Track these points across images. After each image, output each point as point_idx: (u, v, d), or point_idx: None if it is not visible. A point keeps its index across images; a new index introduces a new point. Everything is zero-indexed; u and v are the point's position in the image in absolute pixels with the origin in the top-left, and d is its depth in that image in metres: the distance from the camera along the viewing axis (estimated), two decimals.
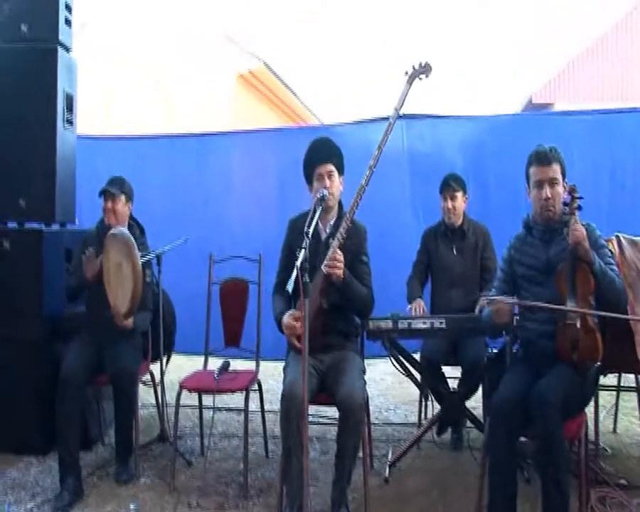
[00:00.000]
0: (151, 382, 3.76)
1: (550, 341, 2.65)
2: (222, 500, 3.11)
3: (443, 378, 3.60)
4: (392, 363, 3.37)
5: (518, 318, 2.90)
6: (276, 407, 4.02)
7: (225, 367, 3.46)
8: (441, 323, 3.12)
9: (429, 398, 3.76)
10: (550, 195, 2.68)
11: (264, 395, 3.71)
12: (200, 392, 3.49)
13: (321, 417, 4.05)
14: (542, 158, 2.71)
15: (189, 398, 3.66)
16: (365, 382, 2.90)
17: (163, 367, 3.70)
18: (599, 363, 2.70)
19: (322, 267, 2.84)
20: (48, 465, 3.51)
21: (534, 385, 2.51)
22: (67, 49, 3.92)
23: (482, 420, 3.40)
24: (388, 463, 3.44)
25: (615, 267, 2.68)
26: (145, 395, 4.34)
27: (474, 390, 3.54)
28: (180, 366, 4.39)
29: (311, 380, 2.80)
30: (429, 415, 3.84)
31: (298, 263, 2.35)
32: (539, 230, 2.80)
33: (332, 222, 3.07)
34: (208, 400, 3.70)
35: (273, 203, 4.64)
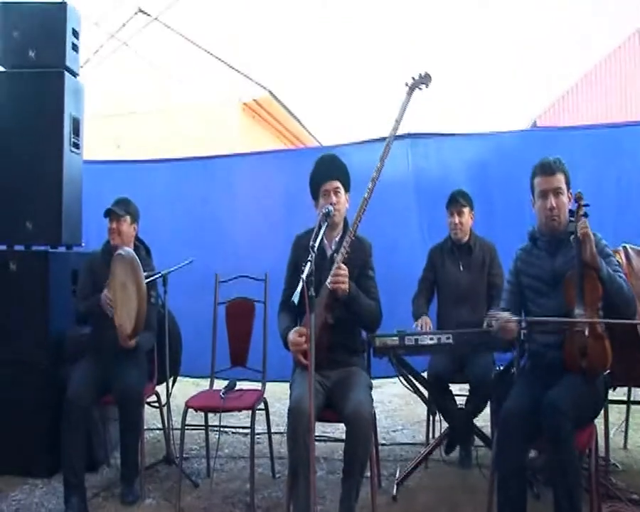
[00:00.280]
0: (157, 404, 3.74)
1: (558, 351, 2.64)
2: None
3: (450, 395, 3.58)
4: (400, 380, 3.36)
5: (525, 332, 2.90)
6: (282, 429, 4.01)
7: (231, 386, 3.45)
8: (448, 338, 3.10)
9: (437, 416, 3.73)
10: (554, 205, 2.70)
11: (271, 418, 3.69)
12: (207, 410, 3.47)
13: (327, 436, 4.01)
14: (546, 168, 2.73)
15: (195, 420, 3.63)
16: (372, 398, 2.88)
17: (169, 387, 3.69)
18: (608, 371, 2.68)
19: (329, 279, 2.84)
20: (53, 487, 3.48)
21: (545, 395, 2.49)
22: (74, 74, 3.99)
23: (490, 437, 3.37)
24: (396, 481, 3.41)
25: (623, 275, 2.68)
26: (150, 418, 4.33)
27: (482, 407, 3.50)
28: (187, 390, 4.36)
29: (318, 396, 2.78)
30: (437, 434, 3.80)
31: (303, 276, 2.36)
32: (544, 241, 2.81)
33: (337, 239, 3.08)
34: (214, 420, 3.69)
35: (279, 224, 4.66)
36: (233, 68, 10.98)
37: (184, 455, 3.45)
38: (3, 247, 3.80)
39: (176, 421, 3.53)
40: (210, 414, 3.72)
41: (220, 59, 11.06)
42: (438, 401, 3.53)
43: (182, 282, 3.94)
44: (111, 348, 3.35)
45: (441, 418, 3.59)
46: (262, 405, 3.50)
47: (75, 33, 3.98)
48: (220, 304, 3.84)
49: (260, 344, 3.69)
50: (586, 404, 2.57)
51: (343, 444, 2.80)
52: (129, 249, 3.39)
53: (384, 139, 4.42)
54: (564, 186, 2.73)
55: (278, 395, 4.86)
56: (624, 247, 3.26)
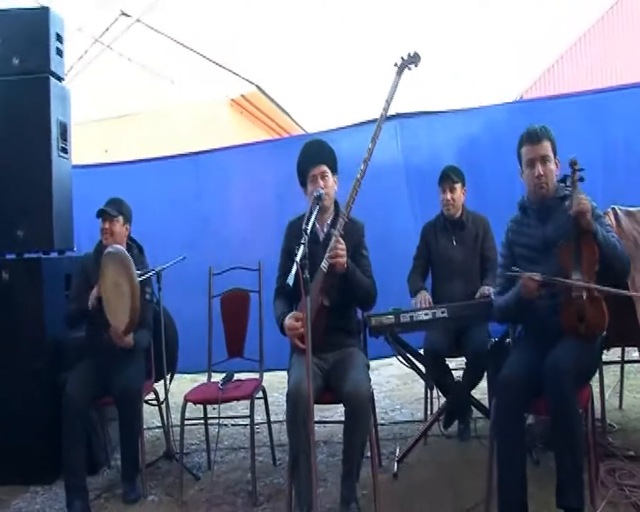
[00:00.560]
0: (155, 401, 3.75)
1: (554, 315, 2.64)
2: (232, 509, 3.08)
3: (447, 370, 3.58)
4: (397, 359, 3.37)
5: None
6: (281, 417, 4.03)
7: (229, 378, 3.46)
8: (443, 312, 3.11)
9: (435, 393, 3.74)
10: (542, 173, 2.70)
11: (269, 408, 3.70)
12: (205, 403, 3.47)
13: (326, 420, 4.03)
14: (532, 136, 2.73)
15: (194, 414, 3.63)
16: (369, 377, 2.88)
17: (167, 383, 3.69)
18: (604, 333, 2.68)
19: (323, 262, 2.85)
20: (55, 493, 3.47)
21: (542, 358, 2.49)
22: (60, 78, 3.97)
23: (488, 408, 3.38)
24: (396, 459, 3.42)
25: (615, 234, 2.69)
26: (149, 417, 4.34)
27: (479, 379, 3.52)
28: (185, 387, 4.35)
29: (316, 378, 2.79)
30: (435, 410, 3.80)
31: (297, 258, 2.37)
32: (534, 209, 2.81)
33: (329, 221, 3.09)
34: (213, 414, 3.70)
35: (270, 214, 4.65)
36: (219, 65, 10.94)
37: (184, 450, 3.46)
38: None
39: (175, 418, 3.54)
40: (209, 408, 3.73)
41: (205, 56, 11.02)
42: (435, 376, 3.54)
43: (176, 279, 3.93)
44: (107, 348, 3.34)
45: (439, 394, 3.60)
46: (260, 394, 3.50)
47: (59, 38, 3.96)
48: (215, 297, 3.84)
49: (256, 334, 3.69)
50: (585, 365, 2.58)
51: (342, 427, 2.80)
52: (118, 246, 3.38)
53: (371, 121, 4.47)
54: (551, 154, 2.74)
55: (275, 385, 4.87)
56: (613, 209, 3.26)
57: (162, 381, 3.70)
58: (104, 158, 7.88)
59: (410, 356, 3.41)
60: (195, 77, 10.71)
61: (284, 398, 2.74)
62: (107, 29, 10.33)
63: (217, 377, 3.54)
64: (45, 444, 3.56)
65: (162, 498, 3.30)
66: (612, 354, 3.78)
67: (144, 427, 3.56)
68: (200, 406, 3.59)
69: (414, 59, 3.17)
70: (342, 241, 2.87)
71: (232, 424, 4.48)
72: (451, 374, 3.61)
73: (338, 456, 3.39)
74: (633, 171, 4.03)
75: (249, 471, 3.29)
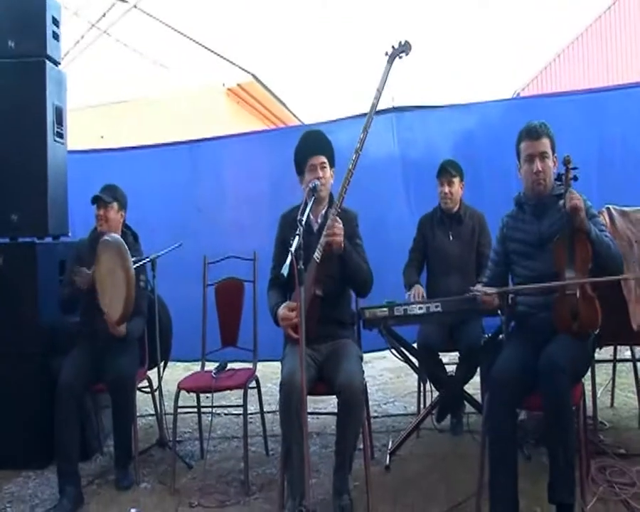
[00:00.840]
0: (148, 389, 3.74)
1: (546, 312, 2.66)
2: (224, 498, 3.08)
3: (441, 364, 3.60)
4: (391, 352, 3.39)
5: (512, 296, 2.92)
6: (274, 408, 4.04)
7: (222, 367, 3.46)
8: (437, 306, 3.11)
9: (428, 386, 3.76)
10: (540, 169, 2.71)
11: (263, 398, 3.70)
12: (199, 391, 3.47)
13: (319, 411, 4.04)
14: (532, 132, 2.74)
15: (187, 403, 3.64)
16: (363, 369, 2.89)
17: (161, 371, 3.69)
18: (597, 331, 2.70)
19: (316, 252, 2.85)
20: (47, 477, 3.47)
21: (535, 355, 2.51)
22: (56, 62, 3.94)
23: (481, 403, 3.40)
24: (389, 451, 3.43)
25: (609, 234, 2.71)
26: (142, 405, 4.34)
27: (472, 374, 3.53)
28: (178, 375, 4.35)
29: (309, 369, 2.79)
30: (428, 404, 3.83)
31: (292, 249, 2.39)
32: (530, 205, 2.83)
33: (323, 213, 3.09)
34: (206, 402, 3.71)
35: (265, 204, 4.65)
36: (216, 53, 10.89)
37: (177, 438, 3.46)
38: None
39: (168, 406, 3.54)
40: (202, 397, 3.74)
41: (202, 45, 10.95)
42: (428, 370, 3.55)
43: (171, 267, 3.93)
44: (101, 334, 3.34)
45: (432, 388, 3.62)
46: (253, 383, 3.50)
47: (56, 22, 3.93)
48: (210, 286, 3.83)
49: (250, 323, 3.69)
50: (579, 362, 2.60)
51: (335, 418, 2.82)
52: (115, 235, 3.37)
53: (367, 114, 4.48)
54: (549, 150, 2.75)
55: (269, 375, 4.88)
56: (608, 208, 3.27)
57: (155, 369, 3.70)
58: (99, 144, 7.84)
59: (404, 350, 3.43)
60: (191, 65, 10.66)
61: (278, 388, 2.75)
62: (104, 15, 10.22)
63: (211, 366, 3.54)
64: (37, 429, 3.55)
65: (155, 486, 3.31)
66: (604, 353, 3.81)
67: (137, 414, 3.56)
68: (194, 394, 3.59)
69: (404, 48, 3.16)
70: (339, 220, 2.86)
71: (225, 414, 4.49)
72: (445, 368, 3.63)
73: (330, 447, 3.40)
74: (629, 170, 4.06)
75: (242, 460, 3.30)
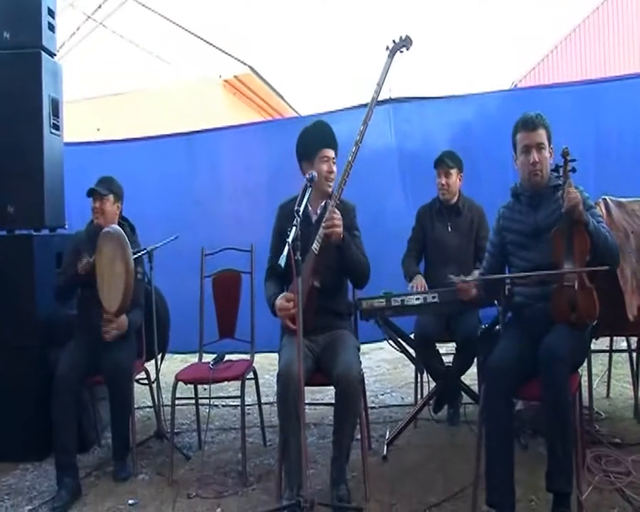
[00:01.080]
0: (146, 381, 3.75)
1: (543, 303, 2.67)
2: (222, 488, 3.09)
3: (437, 355, 3.61)
4: (388, 342, 3.39)
5: (509, 286, 2.93)
6: (272, 399, 4.06)
7: (220, 358, 3.46)
8: (434, 297, 3.12)
9: (425, 377, 3.76)
10: (537, 160, 2.71)
11: (260, 389, 3.71)
12: (196, 383, 3.48)
13: (317, 402, 4.06)
14: (528, 123, 2.74)
15: (185, 394, 3.65)
16: (360, 359, 2.90)
17: (158, 363, 3.70)
18: (595, 322, 2.71)
19: (314, 243, 2.86)
20: (45, 469, 3.48)
21: (540, 342, 2.52)
22: (52, 54, 3.92)
23: (478, 393, 3.41)
24: (386, 442, 3.45)
25: (605, 225, 2.72)
26: (140, 397, 4.34)
27: (469, 364, 3.54)
28: (175, 367, 4.36)
29: (307, 360, 2.80)
30: (425, 395, 3.84)
31: (289, 240, 2.39)
32: (527, 196, 2.83)
33: (322, 204, 3.09)
34: (203, 394, 3.71)
35: (262, 195, 4.64)
36: (213, 45, 10.85)
37: (175, 430, 3.47)
38: None
39: (166, 398, 3.55)
40: (199, 389, 3.75)
41: (199, 36, 10.91)
42: (425, 360, 3.56)
43: (168, 259, 3.95)
44: (98, 326, 3.32)
45: (429, 379, 3.63)
46: (251, 375, 3.51)
47: (51, 13, 3.92)
48: (207, 277, 3.83)
49: (248, 315, 3.70)
50: (577, 352, 2.61)
51: (332, 409, 2.83)
52: (117, 227, 3.37)
53: (365, 105, 4.44)
54: (546, 141, 2.75)
55: (266, 366, 4.89)
56: (604, 199, 3.28)
57: (153, 360, 3.70)
58: (96, 136, 7.81)
59: (401, 340, 3.43)
60: (188, 57, 10.62)
61: (275, 379, 2.76)
62: (100, 6, 10.17)
63: (208, 358, 3.55)
64: (35, 421, 3.55)
65: (152, 477, 3.32)
66: (600, 343, 3.82)
67: (135, 406, 3.56)
68: (191, 386, 3.60)
69: (405, 42, 3.16)
70: (337, 211, 2.86)
71: (223, 405, 4.51)
72: (442, 359, 3.64)
73: (328, 438, 3.42)
74: (625, 161, 4.07)
75: (240, 451, 3.31)
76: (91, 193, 3.51)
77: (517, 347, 2.62)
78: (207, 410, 3.79)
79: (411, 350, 3.53)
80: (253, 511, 2.77)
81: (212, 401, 4.00)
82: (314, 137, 3.08)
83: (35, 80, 3.74)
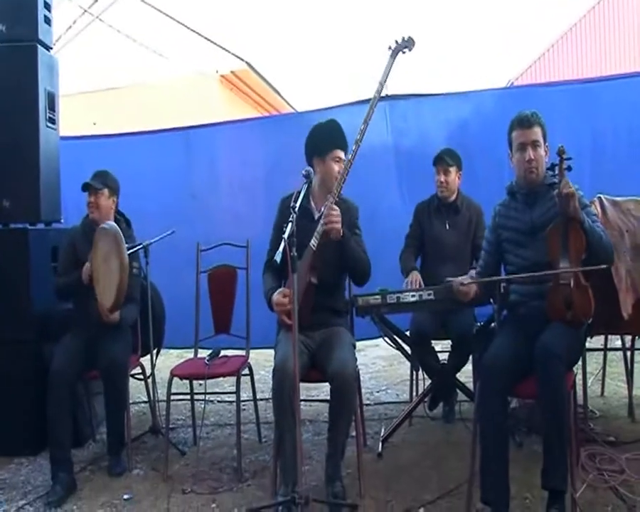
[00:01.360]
0: (141, 376, 3.75)
1: (538, 301, 2.68)
2: (217, 484, 3.09)
3: (433, 352, 3.62)
4: (384, 339, 3.39)
5: (504, 285, 2.94)
6: (267, 395, 4.05)
7: (215, 354, 3.46)
8: (429, 294, 3.12)
9: (420, 375, 3.78)
10: (533, 157, 2.72)
11: (256, 385, 3.70)
12: (192, 378, 3.48)
13: (312, 398, 4.06)
14: (524, 121, 2.75)
15: (180, 389, 3.65)
16: (355, 356, 2.90)
17: (154, 358, 3.70)
18: (590, 320, 2.72)
19: (312, 240, 2.85)
20: (39, 464, 3.48)
21: (536, 340, 2.52)
22: (48, 47, 3.90)
23: (473, 391, 3.42)
24: (381, 439, 3.45)
25: (600, 224, 2.73)
26: (135, 391, 4.35)
27: (464, 362, 3.55)
28: (171, 362, 4.35)
29: (302, 356, 2.81)
30: (421, 392, 3.85)
31: (285, 236, 2.40)
32: (522, 194, 2.84)
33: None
34: (199, 390, 3.71)
35: (259, 193, 4.65)
36: (210, 40, 10.83)
37: (170, 425, 3.47)
38: None
39: (161, 393, 3.55)
40: (195, 384, 3.75)
41: (196, 32, 10.89)
42: (420, 357, 3.56)
43: (164, 254, 3.94)
44: (94, 321, 3.33)
45: (425, 376, 3.63)
46: (246, 371, 3.51)
47: (47, 6, 3.90)
48: (203, 273, 3.82)
49: (243, 311, 3.69)
50: (573, 350, 2.62)
51: (328, 405, 2.84)
52: (112, 223, 3.36)
53: (362, 102, 4.46)
54: (541, 139, 2.76)
55: (262, 363, 4.90)
56: (599, 198, 3.29)
57: (148, 356, 3.70)
58: (92, 130, 7.79)
59: (396, 337, 3.44)
60: (185, 52, 10.60)
61: (271, 376, 2.76)
62: (96, 0, 10.14)
63: (204, 353, 3.54)
64: (30, 415, 3.55)
65: (147, 472, 3.32)
66: (595, 342, 3.84)
67: (130, 401, 3.57)
68: (187, 381, 3.59)
69: (408, 43, 3.16)
70: (336, 207, 2.86)
71: (218, 401, 4.51)
72: (437, 356, 3.65)
73: (323, 434, 3.42)
74: (620, 160, 4.08)
75: (235, 447, 3.31)
76: (86, 187, 3.49)
77: (512, 345, 2.63)
78: (202, 406, 3.79)
79: (406, 348, 3.53)
80: (248, 507, 2.76)
81: (207, 397, 3.99)
82: (328, 136, 3.08)
83: (31, 73, 3.73)
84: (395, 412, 4.01)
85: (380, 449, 3.35)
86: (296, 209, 2.55)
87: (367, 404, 4.12)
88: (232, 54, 10.91)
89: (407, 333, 3.59)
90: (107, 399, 3.32)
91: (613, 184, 3.65)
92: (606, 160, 4.07)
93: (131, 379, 3.56)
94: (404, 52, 3.18)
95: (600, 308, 2.67)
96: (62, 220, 4.09)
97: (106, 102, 10.34)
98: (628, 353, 3.69)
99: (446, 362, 3.61)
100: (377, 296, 3.14)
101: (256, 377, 3.78)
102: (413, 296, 3.15)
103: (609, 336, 3.94)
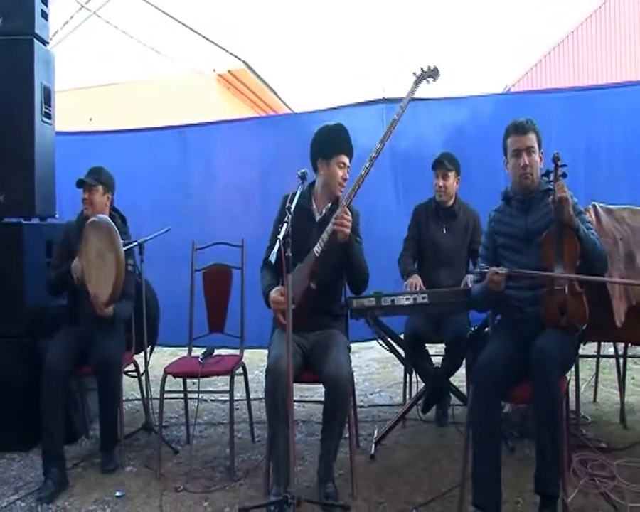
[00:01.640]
0: (135, 373, 3.74)
1: (533, 307, 2.69)
2: (209, 483, 3.09)
3: (427, 355, 3.63)
4: (378, 342, 3.40)
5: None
6: (261, 395, 4.05)
7: (209, 352, 3.46)
8: (424, 298, 3.14)
9: (414, 378, 3.79)
10: (527, 163, 2.75)
11: (250, 385, 3.71)
12: (185, 376, 3.47)
13: (306, 399, 4.06)
14: (519, 128, 2.78)
15: (174, 387, 3.65)
16: (350, 359, 2.91)
17: (147, 355, 3.69)
18: (584, 326, 2.72)
19: (317, 246, 2.86)
20: (31, 459, 3.46)
21: (530, 345, 2.54)
22: (44, 42, 3.89)
23: (466, 395, 3.43)
24: (374, 440, 3.46)
25: (594, 232, 2.74)
26: (128, 389, 4.34)
27: (457, 366, 3.57)
28: (165, 360, 4.34)
29: (296, 356, 2.82)
30: (414, 395, 3.86)
31: (280, 236, 2.41)
32: (517, 199, 2.86)
33: (329, 206, 3.09)
34: (192, 389, 3.71)
35: (255, 192, 4.65)
36: (208, 39, 10.83)
37: (163, 423, 3.47)
38: None
39: (155, 391, 3.54)
40: (188, 383, 3.75)
41: (194, 30, 10.88)
42: (414, 361, 3.57)
43: (159, 252, 3.94)
44: (88, 317, 3.33)
45: (418, 379, 3.64)
46: (240, 370, 3.51)
47: (44, 0, 3.88)
48: (197, 271, 3.82)
49: (238, 310, 3.69)
50: (567, 356, 2.63)
51: (321, 406, 2.85)
52: (104, 216, 3.35)
53: (359, 104, 4.49)
54: (536, 145, 2.79)
55: (256, 362, 4.90)
56: (594, 206, 3.31)
57: (142, 353, 3.69)
58: (88, 126, 7.78)
59: (390, 340, 3.45)
60: (183, 50, 10.59)
61: (264, 375, 2.77)
62: None
63: (198, 352, 3.54)
64: (22, 411, 3.54)
65: (140, 470, 3.31)
66: (588, 348, 3.86)
67: (123, 398, 3.56)
68: (180, 380, 3.59)
69: (433, 73, 3.22)
70: (349, 211, 2.88)
71: (212, 400, 4.51)
72: (431, 359, 3.67)
73: (316, 435, 3.43)
74: (615, 168, 4.11)
75: (228, 446, 3.31)
76: (80, 183, 3.49)
77: (505, 350, 2.64)
78: (195, 404, 3.78)
79: (400, 350, 3.54)
80: (240, 506, 2.76)
81: (201, 395, 3.99)
82: (336, 140, 3.09)
83: (27, 67, 3.71)
84: (389, 415, 4.02)
85: (372, 450, 3.36)
86: (292, 210, 2.55)
87: (360, 406, 4.13)
88: (230, 53, 10.91)
89: (402, 336, 3.60)
90: (100, 395, 3.31)
91: (607, 192, 3.69)
92: (600, 167, 4.10)
93: (124, 376, 3.56)
94: (428, 82, 3.23)
95: (593, 316, 2.69)
96: (56, 215, 4.08)
97: (102, 99, 10.33)
98: (621, 360, 3.71)
99: (439, 365, 3.62)
100: (371, 299, 3.15)
101: (250, 376, 3.78)
102: (407, 299, 3.17)
103: (602, 343, 3.96)
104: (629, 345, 3.67)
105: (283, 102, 13.66)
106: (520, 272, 2.68)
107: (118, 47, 10.54)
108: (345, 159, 3.06)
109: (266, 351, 3.02)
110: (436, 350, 3.89)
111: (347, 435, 2.98)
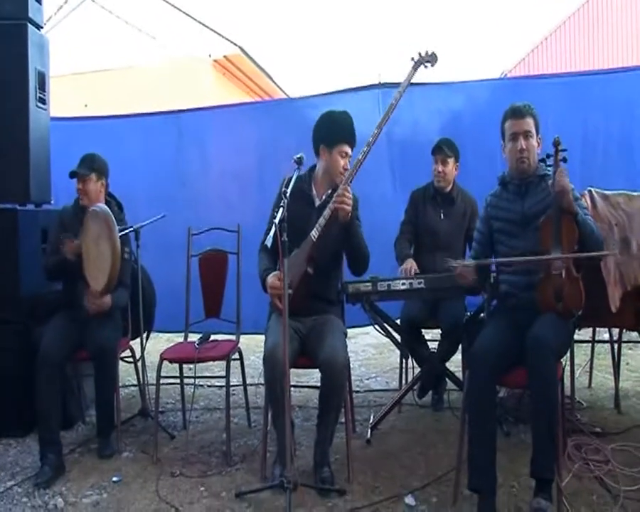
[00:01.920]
0: (131, 359, 3.74)
1: (528, 292, 2.70)
2: (206, 468, 3.10)
3: (423, 340, 3.64)
4: (374, 327, 3.41)
5: (494, 274, 2.96)
6: (257, 380, 4.07)
7: (205, 338, 3.45)
8: (420, 283, 3.15)
9: (410, 363, 3.79)
10: (524, 147, 2.75)
11: (246, 370, 3.72)
12: (181, 362, 3.48)
13: (302, 384, 4.07)
14: (516, 112, 2.78)
15: (170, 373, 3.65)
16: (346, 344, 2.92)
17: (144, 341, 3.69)
18: (580, 312, 2.73)
19: (314, 231, 2.86)
20: (28, 445, 3.46)
21: (526, 330, 2.55)
22: (38, 26, 3.85)
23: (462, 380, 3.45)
24: (370, 425, 3.47)
25: (591, 217, 2.75)
26: (125, 374, 4.34)
27: (454, 350, 3.58)
28: (161, 346, 4.34)
29: (292, 342, 2.82)
30: (410, 380, 3.87)
31: (276, 220, 2.42)
32: (514, 184, 2.86)
33: (329, 192, 3.08)
34: (189, 374, 3.71)
35: (251, 178, 4.64)
36: (203, 24, 10.76)
37: (160, 409, 3.47)
38: None
39: (151, 377, 3.54)
40: (184, 369, 3.75)
41: (189, 15, 10.82)
42: (410, 345, 3.58)
43: (155, 238, 3.95)
44: (84, 303, 3.31)
45: (414, 364, 3.65)
46: (236, 355, 3.51)
47: None
48: (194, 257, 3.81)
49: (234, 296, 3.70)
50: (563, 341, 2.65)
51: (317, 392, 2.85)
52: (104, 206, 3.33)
53: (355, 89, 4.47)
54: (533, 130, 2.79)
55: (252, 347, 4.91)
56: (589, 191, 3.31)
57: (138, 339, 3.70)
58: (83, 112, 7.73)
59: (386, 325, 3.45)
60: (178, 36, 10.53)
61: (261, 361, 2.78)
62: None
63: (194, 338, 3.54)
64: (18, 397, 3.53)
65: (137, 455, 3.32)
66: (583, 334, 3.87)
67: (120, 384, 3.56)
68: (176, 365, 3.60)
69: (431, 58, 3.22)
70: (349, 190, 2.87)
71: (208, 385, 4.51)
72: (427, 345, 3.68)
73: (312, 420, 3.44)
74: (611, 154, 4.11)
75: (224, 431, 3.32)
76: (72, 175, 3.46)
77: (501, 335, 2.65)
78: (192, 390, 3.79)
79: (396, 336, 3.55)
80: (237, 491, 2.78)
81: (197, 381, 4.00)
82: (340, 128, 3.08)
83: (20, 52, 3.68)
84: (385, 400, 4.03)
85: (368, 435, 3.37)
86: (288, 195, 2.55)
87: (356, 392, 4.14)
88: (225, 38, 10.84)
89: (398, 321, 3.61)
90: (96, 381, 3.33)
91: (603, 177, 3.70)
92: (597, 153, 4.10)
93: (120, 362, 3.55)
94: (425, 67, 3.23)
95: (588, 302, 2.69)
96: (52, 201, 4.06)
97: (97, 84, 10.24)
98: (616, 346, 3.72)
99: (435, 350, 3.63)
100: (367, 284, 3.16)
101: (246, 362, 3.78)
102: (404, 284, 3.18)
103: (597, 329, 3.98)
104: (624, 330, 3.68)
105: (279, 87, 13.59)
106: (483, 262, 2.81)
107: (113, 32, 10.47)
108: (348, 149, 3.05)
109: (262, 337, 3.02)
110: (432, 336, 3.90)
111: (343, 420, 2.98)
